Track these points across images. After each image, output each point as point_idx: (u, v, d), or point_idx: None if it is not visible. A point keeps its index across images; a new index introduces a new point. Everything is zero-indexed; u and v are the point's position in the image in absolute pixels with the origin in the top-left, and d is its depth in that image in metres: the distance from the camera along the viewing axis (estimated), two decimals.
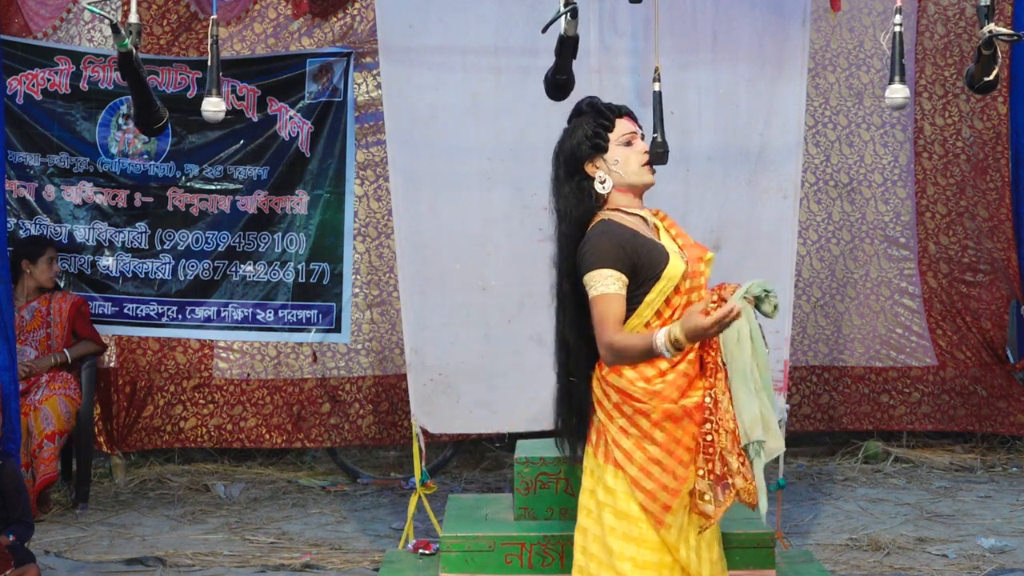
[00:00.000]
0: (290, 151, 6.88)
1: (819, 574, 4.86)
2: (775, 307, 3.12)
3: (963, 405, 7.24)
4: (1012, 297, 7.20)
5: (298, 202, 6.93)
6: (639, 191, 3.39)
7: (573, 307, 3.36)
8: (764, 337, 3.23)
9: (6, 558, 4.50)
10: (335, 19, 6.93)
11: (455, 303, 5.17)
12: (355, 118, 6.89)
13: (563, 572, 4.49)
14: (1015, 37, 3.72)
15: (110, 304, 6.87)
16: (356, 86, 6.89)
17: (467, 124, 5.13)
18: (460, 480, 7.03)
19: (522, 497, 4.77)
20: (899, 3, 3.58)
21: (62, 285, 6.77)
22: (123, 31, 3.57)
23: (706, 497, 3.17)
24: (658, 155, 3.33)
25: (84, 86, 6.80)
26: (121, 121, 6.84)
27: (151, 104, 3.78)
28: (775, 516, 5.20)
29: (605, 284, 3.22)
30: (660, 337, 3.12)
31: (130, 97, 4.32)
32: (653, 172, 3.38)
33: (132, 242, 6.89)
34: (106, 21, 3.62)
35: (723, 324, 3.03)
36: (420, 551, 5.13)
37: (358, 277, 6.98)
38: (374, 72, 6.68)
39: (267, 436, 7.04)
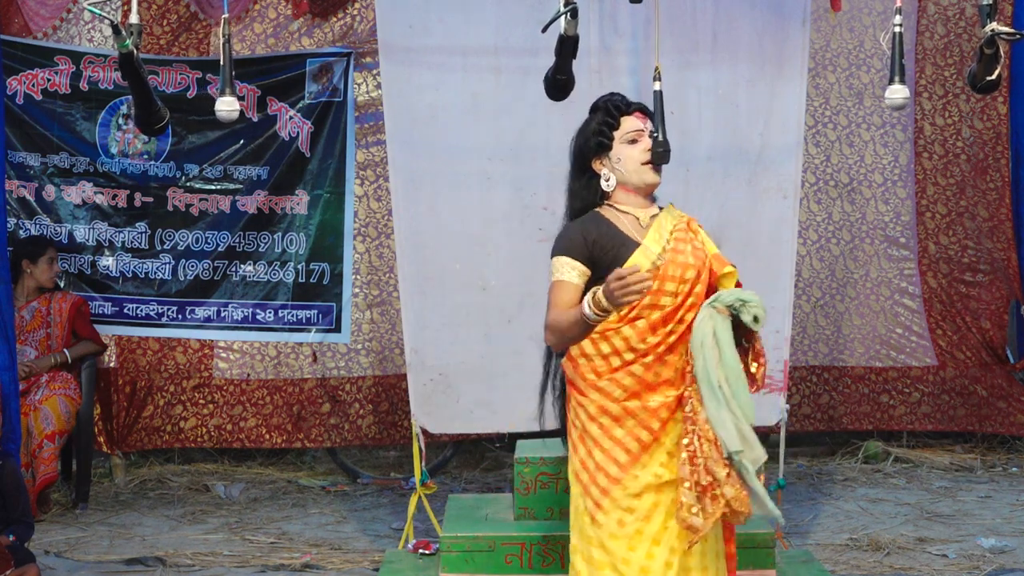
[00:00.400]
0: (290, 151, 6.88)
1: (819, 574, 4.87)
2: (755, 317, 3.13)
3: (963, 405, 7.24)
4: (1012, 297, 7.20)
5: (298, 202, 6.93)
6: (642, 190, 3.39)
7: None
8: (750, 346, 3.22)
9: (6, 558, 4.50)
10: (335, 19, 6.93)
11: (455, 303, 5.17)
12: (355, 118, 6.89)
13: (563, 572, 4.48)
14: (1017, 36, 3.72)
15: (110, 304, 6.87)
16: (356, 86, 6.89)
17: (467, 124, 5.13)
18: (460, 480, 7.03)
19: (522, 497, 4.77)
20: (899, 3, 3.58)
21: (62, 285, 6.77)
22: (123, 31, 3.57)
23: (693, 509, 3.17)
24: (658, 154, 3.33)
25: (84, 86, 6.80)
26: (121, 121, 6.84)
27: (152, 104, 3.78)
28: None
29: (561, 272, 3.31)
30: (586, 300, 3.14)
31: (130, 97, 4.33)
32: (656, 171, 3.37)
33: (132, 242, 6.89)
34: (106, 21, 3.62)
35: (626, 287, 3.00)
36: (420, 551, 5.13)
37: (358, 277, 6.98)
38: (374, 72, 6.68)
39: (267, 436, 7.04)
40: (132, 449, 7.04)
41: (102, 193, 6.86)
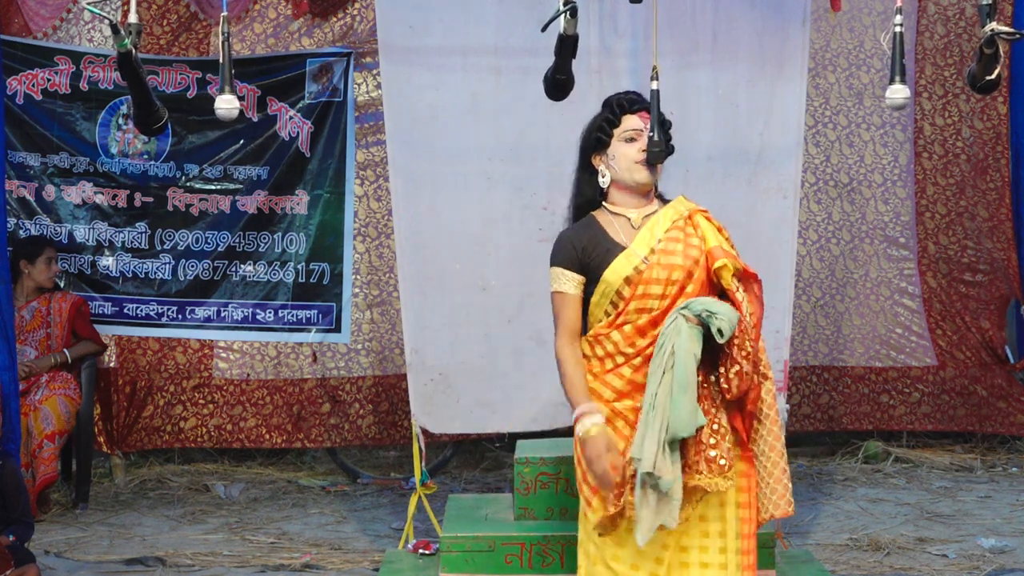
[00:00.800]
0: (290, 151, 6.88)
1: (819, 574, 4.87)
2: (718, 330, 3.13)
3: (963, 405, 7.24)
4: (1012, 297, 7.20)
5: (298, 202, 6.93)
6: (634, 189, 3.40)
7: None
8: (728, 352, 3.20)
9: (6, 558, 4.50)
10: (335, 19, 6.93)
11: (455, 303, 5.17)
12: (355, 118, 6.89)
13: (563, 572, 4.49)
14: (1016, 36, 3.72)
15: (110, 304, 6.87)
16: (356, 86, 6.89)
17: (467, 124, 5.13)
18: (460, 480, 7.03)
19: (522, 497, 4.76)
20: (899, 3, 3.57)
21: (62, 285, 6.77)
22: (123, 31, 3.57)
23: (608, 499, 3.23)
24: (653, 154, 3.34)
25: (84, 86, 6.80)
26: (121, 121, 6.84)
27: (150, 104, 3.78)
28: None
29: (558, 282, 3.40)
30: (583, 422, 3.25)
31: (130, 97, 4.32)
32: (649, 170, 3.38)
33: (132, 242, 6.89)
34: (106, 21, 3.62)
35: (592, 471, 3.21)
36: (420, 551, 5.13)
37: (358, 277, 6.98)
38: (374, 72, 6.68)
39: (267, 436, 7.04)
40: (132, 449, 7.04)
41: (102, 193, 6.86)
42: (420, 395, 5.16)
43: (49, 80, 6.77)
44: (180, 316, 6.90)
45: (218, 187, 6.90)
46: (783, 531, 5.39)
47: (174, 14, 6.86)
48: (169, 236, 6.90)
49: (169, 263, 6.90)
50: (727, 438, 3.20)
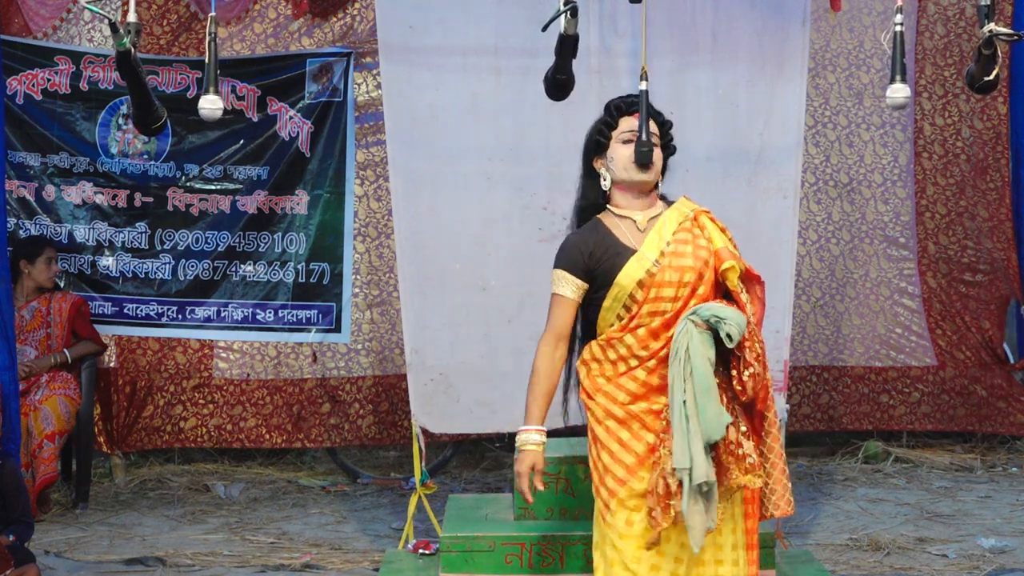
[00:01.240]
0: (290, 151, 6.88)
1: (819, 574, 4.87)
2: (727, 335, 3.16)
3: (963, 405, 7.24)
4: (1012, 297, 7.20)
5: (298, 202, 6.93)
6: (634, 190, 3.41)
7: None
8: (740, 355, 3.22)
9: (6, 558, 4.50)
10: (335, 19, 6.93)
11: (455, 303, 5.17)
12: (355, 118, 6.89)
13: (563, 572, 4.49)
14: (1015, 37, 3.72)
15: (110, 304, 6.87)
16: (356, 86, 6.89)
17: (467, 124, 5.13)
18: (460, 480, 7.03)
19: (522, 497, 4.76)
20: (899, 3, 3.58)
21: (62, 285, 6.77)
22: (122, 31, 3.57)
23: (654, 513, 3.23)
24: (642, 154, 3.35)
25: (84, 86, 6.80)
26: (121, 121, 6.84)
27: (150, 104, 3.77)
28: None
29: (558, 285, 3.42)
30: (523, 432, 3.40)
31: (130, 97, 4.33)
32: (644, 170, 3.38)
33: (132, 242, 6.89)
34: (106, 21, 3.61)
35: (517, 479, 3.39)
36: (420, 551, 5.13)
37: (358, 277, 6.98)
38: (374, 72, 6.68)
39: (267, 436, 7.04)
40: (132, 449, 7.04)
41: (102, 193, 6.86)
42: (420, 395, 5.16)
43: (49, 80, 6.77)
44: (180, 316, 6.90)
45: (218, 187, 6.90)
46: (783, 531, 5.39)
47: (174, 14, 6.86)
48: (169, 236, 6.90)
49: (169, 263, 6.90)
50: (751, 436, 3.23)
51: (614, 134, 3.43)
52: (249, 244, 6.92)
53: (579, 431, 5.09)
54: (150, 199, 6.89)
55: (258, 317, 6.92)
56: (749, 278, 3.36)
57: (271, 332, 6.95)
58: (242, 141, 6.89)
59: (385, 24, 5.15)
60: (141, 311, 6.89)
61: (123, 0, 6.66)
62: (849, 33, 7.08)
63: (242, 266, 6.92)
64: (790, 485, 3.39)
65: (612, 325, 3.37)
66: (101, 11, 3.73)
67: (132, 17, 3.62)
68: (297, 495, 6.75)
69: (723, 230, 3.42)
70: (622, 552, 3.30)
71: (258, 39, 6.92)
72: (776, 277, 5.02)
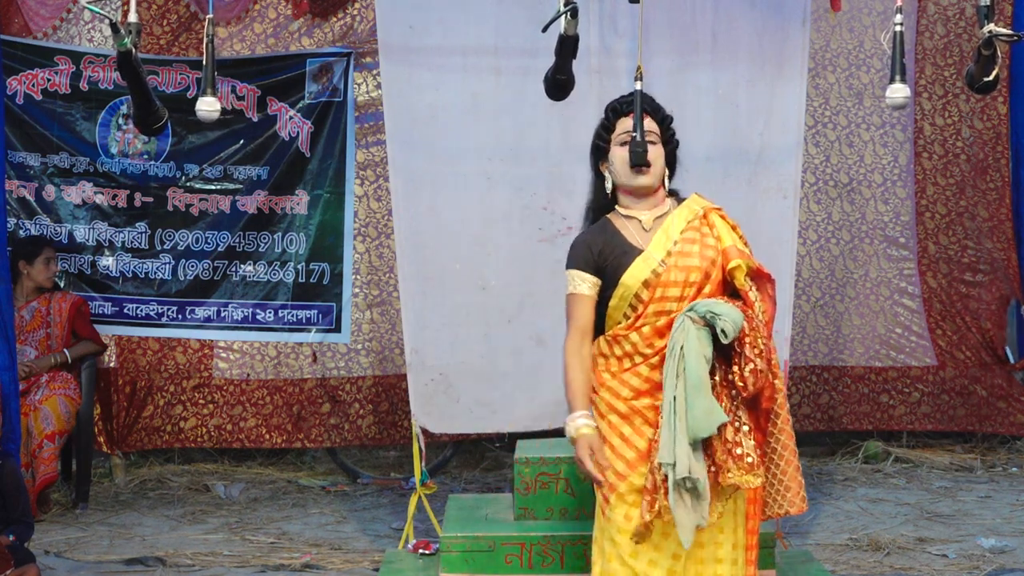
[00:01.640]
0: (290, 151, 6.88)
1: (819, 574, 4.87)
2: (722, 331, 3.17)
3: (963, 405, 7.24)
4: (1012, 297, 7.20)
5: (298, 202, 6.93)
6: (634, 192, 3.42)
7: None
8: (740, 351, 3.22)
9: (6, 558, 4.50)
10: (335, 19, 6.93)
11: (455, 303, 5.17)
12: (355, 118, 6.89)
13: (563, 572, 4.50)
14: (1015, 37, 3.72)
15: (110, 304, 6.87)
16: (356, 86, 6.89)
17: (467, 124, 5.13)
18: (460, 480, 7.03)
19: (522, 497, 4.77)
20: (899, 3, 3.58)
21: (62, 285, 6.77)
22: (123, 31, 3.57)
23: (643, 507, 3.25)
24: (636, 154, 3.35)
25: (84, 86, 6.80)
26: (121, 121, 6.84)
27: (150, 104, 3.78)
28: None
29: (573, 284, 3.43)
30: (572, 423, 3.35)
31: (130, 97, 4.34)
32: (641, 172, 3.38)
33: (132, 242, 6.89)
34: (106, 21, 3.62)
35: (582, 471, 3.32)
36: (420, 551, 5.13)
37: (358, 277, 6.98)
38: (374, 72, 6.68)
39: (267, 436, 7.04)
40: (132, 449, 7.04)
41: (102, 193, 6.86)
42: (420, 395, 5.16)
43: (49, 80, 6.77)
44: (180, 316, 6.90)
45: (218, 187, 6.90)
46: (783, 531, 5.39)
47: (174, 14, 6.86)
48: (169, 236, 6.90)
49: (169, 263, 6.90)
50: (751, 435, 3.22)
51: (612, 136, 3.44)
52: (249, 244, 6.92)
53: (555, 435, 5.12)
54: (150, 199, 6.89)
55: (258, 317, 6.92)
56: (759, 276, 3.36)
57: (271, 332, 6.95)
58: (242, 141, 6.89)
59: (385, 24, 5.15)
60: (141, 311, 6.89)
61: (123, 0, 6.65)
62: (849, 33, 7.08)
63: (242, 266, 6.92)
64: (803, 482, 3.39)
65: (619, 323, 3.38)
66: (102, 11, 3.74)
67: (133, 17, 3.63)
68: (297, 495, 6.75)
69: (734, 227, 3.42)
70: (620, 546, 3.31)
71: (258, 39, 6.92)
72: (776, 277, 4.97)
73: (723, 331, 3.16)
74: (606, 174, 3.46)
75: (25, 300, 6.45)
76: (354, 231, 6.95)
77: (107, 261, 6.89)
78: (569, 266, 3.44)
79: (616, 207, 3.47)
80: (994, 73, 3.65)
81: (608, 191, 3.46)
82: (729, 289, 3.35)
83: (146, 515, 6.29)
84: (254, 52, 6.90)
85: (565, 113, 4.90)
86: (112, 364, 6.92)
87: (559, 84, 4.00)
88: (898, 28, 3.59)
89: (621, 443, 3.32)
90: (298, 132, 6.88)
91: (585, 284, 3.40)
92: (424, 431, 5.18)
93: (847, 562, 5.28)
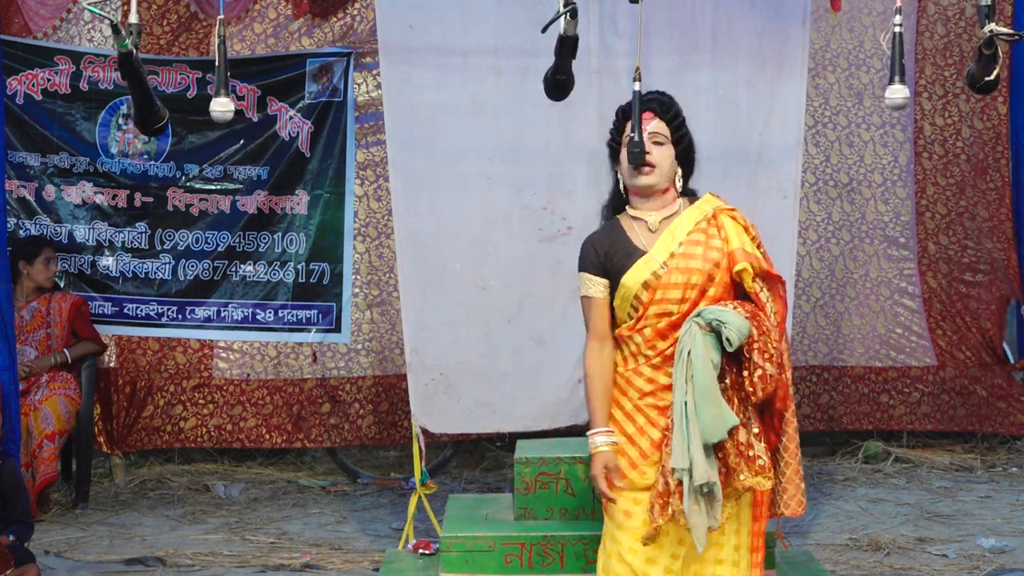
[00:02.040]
0: (290, 151, 6.88)
1: (819, 574, 4.87)
2: (727, 339, 3.17)
3: (963, 405, 7.24)
4: (1012, 297, 7.20)
5: (298, 202, 6.93)
6: (640, 193, 3.41)
7: None
8: (748, 357, 3.22)
9: (6, 558, 4.50)
10: (335, 19, 6.93)
11: (455, 303, 5.17)
12: (355, 118, 6.89)
13: (563, 572, 4.49)
14: (1015, 37, 3.72)
15: (110, 304, 6.87)
16: (356, 86, 6.89)
17: (467, 124, 5.13)
18: (460, 480, 7.03)
19: (522, 497, 4.76)
20: (899, 3, 3.58)
21: (62, 285, 6.77)
22: (123, 31, 3.57)
23: (653, 509, 3.24)
24: (632, 155, 3.36)
25: (84, 86, 6.79)
26: (121, 121, 6.84)
27: (151, 104, 3.78)
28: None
29: (585, 287, 3.43)
30: (590, 436, 3.36)
31: (130, 97, 4.34)
32: (642, 173, 3.38)
33: (132, 242, 6.89)
34: (106, 21, 3.62)
35: (595, 486, 3.35)
36: (420, 551, 5.13)
37: (358, 277, 6.98)
38: (374, 72, 6.68)
39: (267, 436, 7.04)
40: (132, 449, 7.04)
41: (102, 193, 6.86)
42: (420, 395, 5.16)
43: (49, 80, 6.77)
44: (180, 316, 6.90)
45: (218, 187, 6.90)
46: (783, 531, 5.39)
47: (174, 14, 6.86)
48: (169, 236, 6.90)
49: (169, 263, 6.90)
50: (762, 438, 3.23)
51: (622, 138, 3.45)
52: (249, 244, 6.92)
53: (579, 431, 5.12)
54: (150, 199, 6.89)
55: (258, 317, 6.92)
56: (770, 277, 3.35)
57: (271, 332, 6.94)
58: (242, 141, 6.89)
59: (385, 24, 5.15)
60: (141, 311, 6.89)
61: (124, 0, 6.65)
62: (849, 33, 7.08)
63: (242, 266, 6.92)
64: (803, 486, 3.39)
65: (624, 323, 3.39)
66: (102, 12, 3.73)
67: (133, 18, 3.63)
68: (297, 495, 6.75)
69: (746, 228, 3.41)
70: (619, 543, 3.33)
71: (258, 39, 6.92)
72: None
73: (728, 339, 3.16)
74: (619, 175, 3.47)
75: (25, 300, 6.45)
76: (354, 231, 6.95)
77: (107, 261, 6.89)
78: (580, 269, 3.46)
79: (626, 207, 3.47)
80: (995, 73, 3.65)
81: (622, 191, 3.47)
82: (740, 291, 3.35)
83: (146, 515, 6.29)
84: (254, 52, 6.90)
85: (565, 113, 4.90)
86: (112, 364, 6.92)
87: (559, 84, 4.00)
88: (897, 29, 3.59)
89: (625, 441, 3.34)
90: (298, 132, 6.88)
91: (596, 287, 3.40)
92: (424, 431, 5.17)
93: (847, 562, 5.28)
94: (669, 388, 3.29)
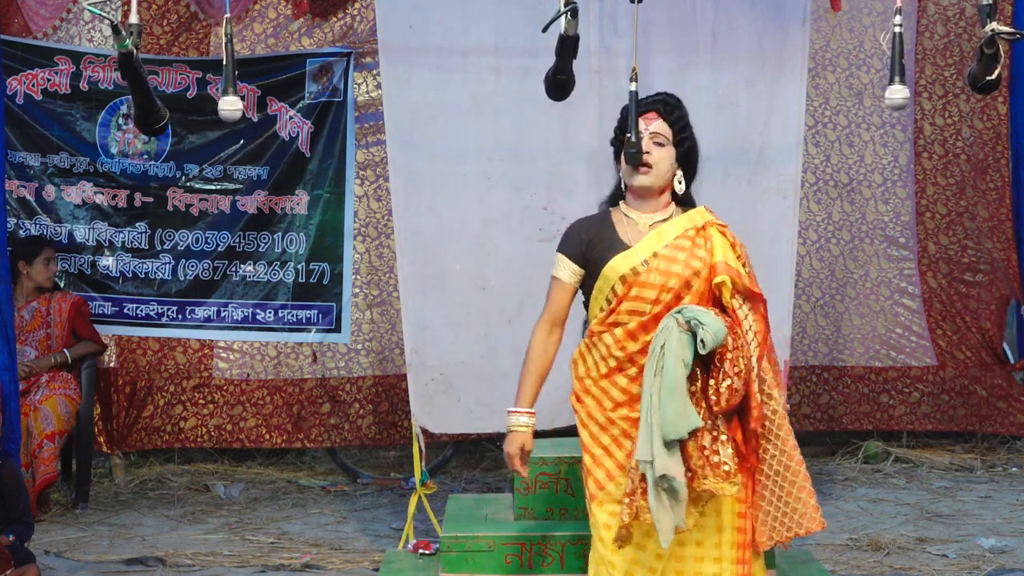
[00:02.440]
0: (290, 151, 6.88)
1: (819, 574, 4.87)
2: (701, 340, 3.15)
3: (963, 405, 7.24)
4: (1012, 297, 7.20)
5: (298, 202, 6.93)
6: (636, 193, 3.43)
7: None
8: (720, 365, 3.21)
9: (6, 558, 4.50)
10: (335, 19, 6.93)
11: (455, 303, 5.17)
12: (355, 118, 6.89)
13: (563, 572, 4.49)
14: (1017, 35, 3.72)
15: (110, 304, 6.87)
16: (356, 86, 6.89)
17: (467, 124, 5.13)
18: (460, 480, 7.03)
19: (522, 497, 4.77)
20: (899, 3, 3.58)
21: (62, 285, 6.77)
22: (123, 31, 3.57)
23: (622, 511, 3.25)
24: (629, 155, 3.37)
25: (84, 86, 6.79)
26: (121, 121, 6.84)
27: (151, 104, 3.78)
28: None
29: (557, 267, 3.49)
30: (510, 414, 3.48)
31: (130, 97, 4.34)
32: (640, 173, 3.38)
33: (132, 242, 6.89)
34: (106, 21, 3.62)
35: (511, 466, 3.45)
36: (420, 551, 5.13)
37: (358, 277, 6.98)
38: (374, 72, 6.68)
39: (267, 436, 7.04)
40: (132, 449, 7.04)
41: (102, 193, 6.86)
42: (420, 395, 5.16)
43: (49, 80, 6.77)
44: (180, 316, 6.90)
45: (218, 187, 6.90)
46: None
47: (174, 14, 6.86)
48: (169, 236, 6.90)
49: (169, 263, 6.90)
50: (728, 444, 3.21)
51: (624, 137, 3.45)
52: (249, 244, 6.92)
53: (555, 435, 5.12)
54: (150, 199, 6.89)
55: (258, 317, 6.92)
56: (752, 296, 3.33)
57: (271, 332, 6.94)
58: (242, 141, 6.89)
59: (385, 24, 5.15)
60: (141, 311, 6.89)
61: (124, 0, 6.65)
62: (849, 33, 7.08)
63: (242, 266, 6.92)
64: (814, 501, 3.36)
65: (595, 317, 3.41)
66: (102, 12, 3.73)
67: (133, 18, 3.63)
68: (297, 495, 6.75)
69: (733, 245, 3.38)
70: (604, 547, 3.34)
71: (258, 39, 6.92)
72: (776, 277, 5.02)
73: (702, 340, 3.14)
74: (619, 173, 3.49)
75: (25, 300, 6.45)
76: (354, 231, 6.95)
77: (107, 261, 6.89)
78: (559, 249, 3.50)
79: (621, 203, 3.48)
80: (996, 72, 3.65)
81: (622, 188, 3.48)
82: (719, 305, 3.33)
83: (146, 515, 6.29)
84: (254, 52, 6.89)
85: (565, 113, 4.90)
86: (112, 364, 6.92)
87: (559, 84, 4.00)
88: (897, 29, 3.58)
89: (602, 453, 3.35)
90: (298, 132, 6.88)
91: (566, 271, 3.46)
92: (424, 431, 5.18)
93: (847, 562, 5.28)
94: (616, 403, 3.34)
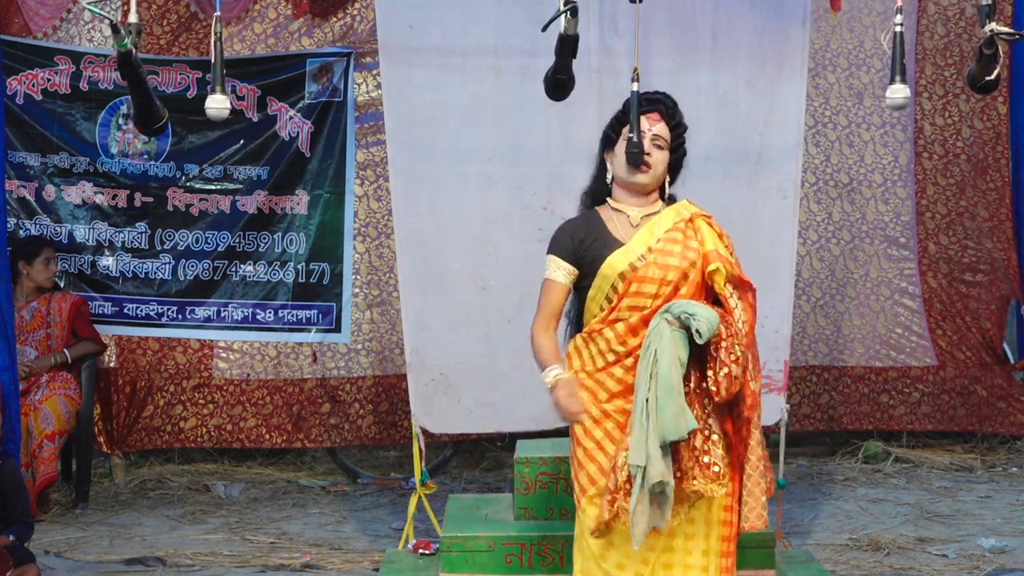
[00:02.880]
0: (290, 151, 6.88)
1: (819, 574, 4.87)
2: (697, 331, 3.15)
3: (963, 405, 7.24)
4: (1012, 297, 7.20)
5: (298, 202, 6.93)
6: (630, 189, 3.44)
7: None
8: (715, 356, 3.21)
9: (6, 558, 4.50)
10: (335, 19, 6.93)
11: (455, 303, 5.17)
12: (355, 118, 6.89)
13: (563, 572, 4.49)
14: (1016, 36, 3.72)
15: (110, 304, 6.87)
16: (356, 86, 6.89)
17: (467, 124, 5.13)
18: (460, 480, 7.03)
19: (522, 497, 4.77)
20: (899, 3, 3.58)
21: (62, 285, 6.77)
22: (123, 31, 3.56)
23: (603, 507, 3.25)
24: (631, 155, 3.38)
25: (84, 86, 6.80)
26: (121, 121, 6.84)
27: (151, 104, 3.77)
28: (775, 516, 5.19)
29: (550, 270, 3.50)
30: (549, 374, 3.38)
31: (130, 97, 4.34)
32: (638, 171, 3.39)
33: (132, 242, 6.89)
34: (106, 21, 3.62)
35: (566, 411, 3.36)
36: (420, 551, 5.13)
37: (358, 277, 6.98)
38: (374, 72, 6.68)
39: (267, 436, 7.04)
40: (132, 449, 7.04)
41: (102, 193, 6.86)
42: (420, 395, 5.16)
43: (49, 80, 6.77)
44: (180, 316, 6.90)
45: (218, 187, 6.90)
46: (783, 531, 5.39)
47: (174, 14, 6.86)
48: (169, 236, 6.90)
49: (169, 263, 6.90)
50: (720, 444, 3.22)
51: (623, 131, 3.47)
52: (249, 244, 6.92)
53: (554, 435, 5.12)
54: (150, 199, 6.89)
55: (258, 317, 6.92)
56: (741, 284, 3.34)
57: (271, 332, 6.95)
58: (242, 141, 6.89)
59: (385, 24, 5.15)
60: (141, 311, 6.89)
61: (124, 0, 6.65)
62: (849, 33, 7.08)
63: (242, 266, 6.92)
64: (764, 499, 3.37)
65: (595, 316, 3.41)
66: (102, 12, 3.73)
67: (133, 18, 3.62)
68: (297, 495, 6.75)
69: (720, 235, 3.42)
70: (592, 547, 3.34)
71: (258, 39, 6.92)
72: (776, 277, 5.03)
73: (698, 331, 3.15)
74: (608, 164, 3.48)
75: (25, 300, 6.45)
76: (354, 231, 6.95)
77: (107, 261, 6.89)
78: (549, 251, 3.51)
79: (608, 199, 3.49)
80: (995, 72, 3.65)
81: (608, 182, 3.49)
82: (710, 295, 3.34)
83: (146, 515, 6.29)
84: (254, 52, 6.90)
85: (565, 113, 4.90)
86: (112, 364, 6.92)
87: (559, 84, 4.00)
88: (898, 29, 3.59)
89: (594, 447, 3.34)
90: (298, 132, 6.88)
91: (561, 272, 3.47)
92: (424, 431, 5.17)
93: (847, 562, 5.28)
94: (612, 394, 3.33)
